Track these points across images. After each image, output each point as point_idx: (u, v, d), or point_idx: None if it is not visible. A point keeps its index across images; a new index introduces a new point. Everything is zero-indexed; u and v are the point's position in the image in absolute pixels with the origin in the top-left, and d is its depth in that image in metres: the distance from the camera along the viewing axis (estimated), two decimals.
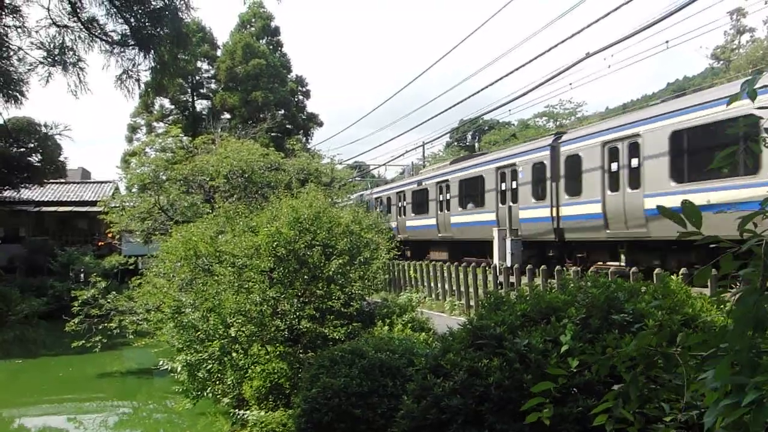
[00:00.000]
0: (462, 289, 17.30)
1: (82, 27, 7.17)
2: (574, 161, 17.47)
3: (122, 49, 7.31)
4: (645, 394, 2.19)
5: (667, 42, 18.62)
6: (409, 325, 11.99)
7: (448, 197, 25.35)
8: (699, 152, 13.60)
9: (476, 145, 69.09)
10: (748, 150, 2.23)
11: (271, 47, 51.72)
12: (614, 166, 15.94)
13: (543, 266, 14.67)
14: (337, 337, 10.78)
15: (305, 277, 11.86)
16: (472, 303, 16.50)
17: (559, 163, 18.11)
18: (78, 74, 7.31)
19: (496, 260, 18.74)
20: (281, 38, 53.68)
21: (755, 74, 2.28)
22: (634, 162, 15.23)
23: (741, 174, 12.05)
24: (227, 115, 49.34)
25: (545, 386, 2.56)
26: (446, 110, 38.14)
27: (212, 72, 51.30)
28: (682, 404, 2.14)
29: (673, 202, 13.48)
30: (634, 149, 15.25)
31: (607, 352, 2.37)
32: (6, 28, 7.13)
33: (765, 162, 11.45)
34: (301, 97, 54.12)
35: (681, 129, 13.89)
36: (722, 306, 5.14)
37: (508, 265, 17.03)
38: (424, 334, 11.40)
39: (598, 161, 16.38)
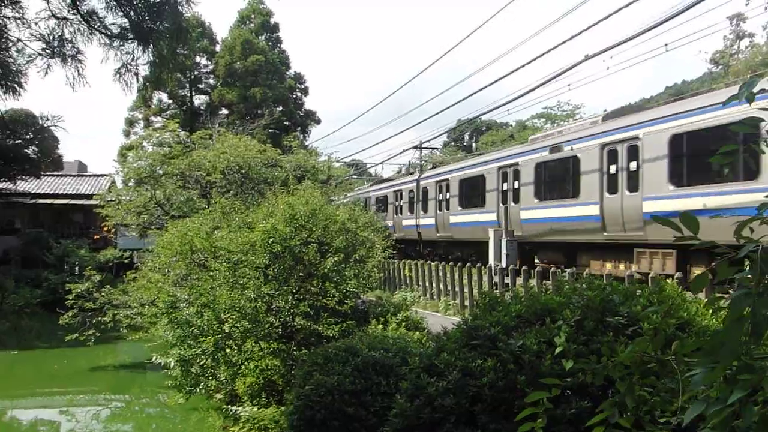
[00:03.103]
0: (457, 289, 17.33)
1: (81, 19, 7.14)
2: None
3: (121, 43, 7.28)
4: (639, 397, 2.20)
5: (666, 45, 18.64)
6: (404, 323, 12.00)
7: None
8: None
9: (473, 145, 69.16)
10: (751, 153, 2.21)
11: (270, 44, 51.66)
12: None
13: (538, 267, 14.71)
14: (331, 335, 10.79)
15: (300, 274, 11.86)
16: (466, 303, 16.52)
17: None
18: (77, 67, 7.28)
19: (491, 261, 18.76)
20: (280, 35, 53.63)
21: (755, 78, 2.23)
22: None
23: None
24: (225, 111, 49.27)
25: (538, 396, 2.55)
26: (444, 110, 38.20)
27: (211, 67, 51.21)
28: (677, 407, 2.14)
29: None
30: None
31: (602, 359, 2.37)
32: (5, 20, 7.10)
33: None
34: (299, 94, 54.07)
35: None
36: (718, 310, 5.15)
37: (504, 265, 17.06)
38: (418, 333, 11.41)
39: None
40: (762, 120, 2.05)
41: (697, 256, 13.54)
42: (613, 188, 15.84)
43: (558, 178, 18.18)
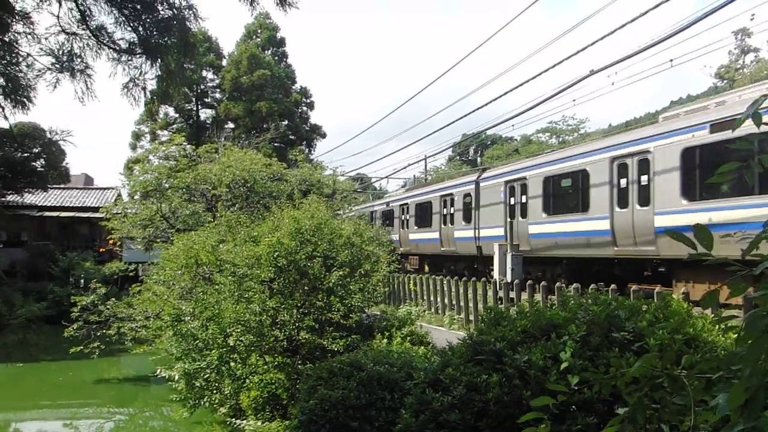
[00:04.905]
0: (462, 303, 17.28)
1: (90, 35, 7.22)
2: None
3: (129, 58, 7.36)
4: (649, 415, 2.17)
5: (671, 60, 18.74)
6: (408, 338, 11.96)
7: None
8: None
9: (478, 159, 69.24)
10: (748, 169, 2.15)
11: (276, 58, 51.94)
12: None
13: (543, 282, 14.68)
14: (336, 349, 10.76)
15: (305, 288, 11.86)
16: (471, 318, 16.47)
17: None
18: (85, 81, 7.36)
19: (496, 275, 18.74)
20: (286, 49, 53.91)
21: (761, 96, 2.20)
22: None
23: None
24: (231, 125, 49.46)
25: (545, 401, 2.54)
26: (449, 125, 38.30)
27: (217, 81, 51.50)
28: (688, 425, 2.12)
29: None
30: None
31: (610, 371, 2.35)
32: (16, 35, 7.18)
33: None
34: (304, 108, 54.23)
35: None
36: (724, 327, 5.12)
37: (509, 280, 17.02)
38: (423, 347, 11.36)
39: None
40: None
41: (428, 259, 27.45)
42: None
43: (389, 223, 31.57)
